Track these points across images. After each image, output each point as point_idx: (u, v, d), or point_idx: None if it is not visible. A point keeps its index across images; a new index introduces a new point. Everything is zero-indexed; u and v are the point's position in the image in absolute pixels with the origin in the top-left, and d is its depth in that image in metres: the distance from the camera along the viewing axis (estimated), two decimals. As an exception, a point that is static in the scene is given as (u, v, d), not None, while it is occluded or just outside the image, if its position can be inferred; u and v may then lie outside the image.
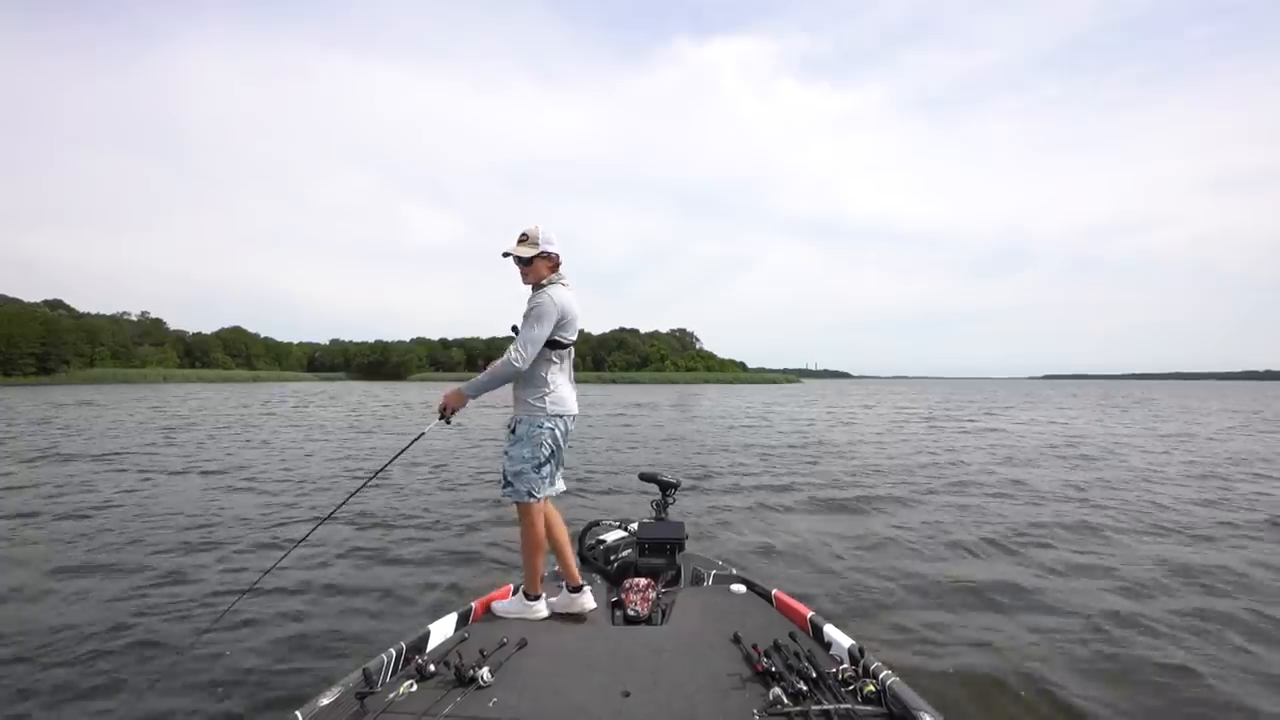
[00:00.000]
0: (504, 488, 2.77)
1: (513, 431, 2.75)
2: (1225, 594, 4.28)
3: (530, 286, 2.80)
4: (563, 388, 2.79)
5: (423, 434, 2.86)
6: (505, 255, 2.77)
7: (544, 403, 2.73)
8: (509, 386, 2.77)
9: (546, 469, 2.78)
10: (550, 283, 2.75)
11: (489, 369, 2.69)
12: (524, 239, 2.76)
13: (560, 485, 2.92)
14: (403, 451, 2.93)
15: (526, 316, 2.67)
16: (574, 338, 2.80)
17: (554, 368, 2.76)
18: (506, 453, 2.77)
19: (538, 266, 2.76)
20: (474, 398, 2.70)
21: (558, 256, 2.81)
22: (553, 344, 2.72)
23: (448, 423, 2.72)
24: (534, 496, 2.73)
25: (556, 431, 2.77)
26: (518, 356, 2.61)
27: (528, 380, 2.74)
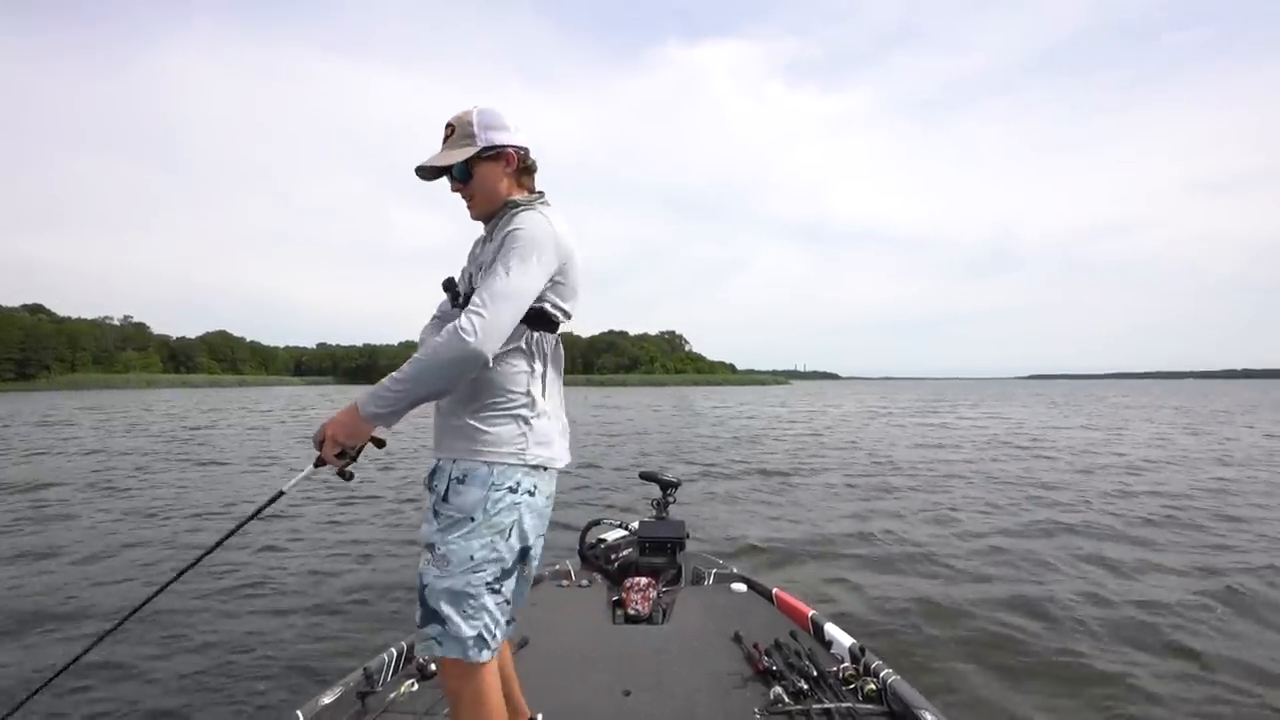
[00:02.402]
0: (424, 625, 1.41)
1: (444, 498, 1.42)
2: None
3: (484, 220, 1.56)
4: (551, 409, 1.51)
5: (281, 494, 1.54)
6: (419, 172, 1.54)
7: (520, 438, 1.44)
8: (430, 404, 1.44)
9: (512, 583, 1.47)
10: (528, 203, 1.49)
11: (415, 357, 1.36)
12: (449, 134, 1.51)
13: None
14: (246, 522, 1.62)
15: (500, 255, 1.39)
16: (575, 309, 1.55)
17: (537, 365, 1.48)
18: (431, 546, 1.42)
19: (487, 176, 1.50)
20: (390, 420, 1.37)
21: (525, 155, 1.54)
22: (539, 319, 1.46)
23: (347, 475, 1.44)
24: (487, 646, 1.41)
25: (538, 501, 1.47)
26: (474, 328, 1.29)
27: (483, 387, 1.43)
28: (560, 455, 1.53)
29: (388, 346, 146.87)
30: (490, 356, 1.34)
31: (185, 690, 2.93)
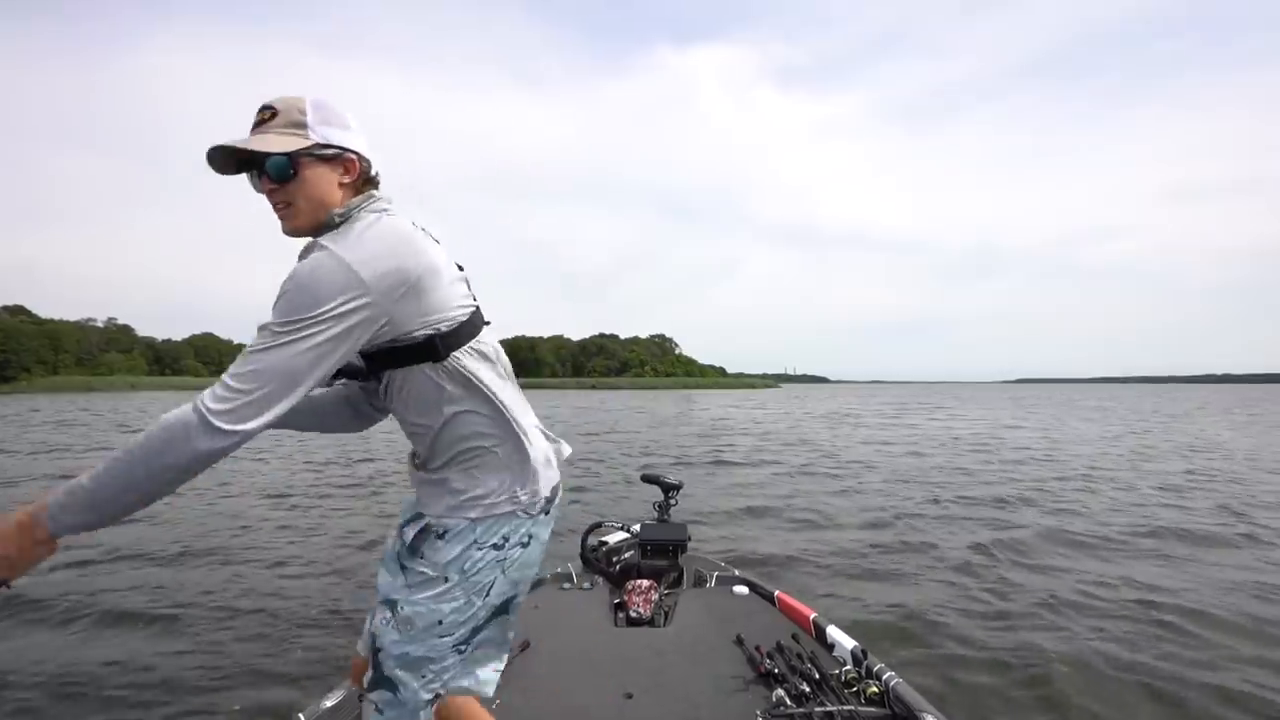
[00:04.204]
0: (372, 690, 1.23)
1: (416, 551, 1.21)
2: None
3: (304, 235, 1.19)
4: (524, 433, 1.25)
5: None
6: (213, 157, 1.14)
7: (502, 487, 1.22)
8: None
9: (486, 635, 1.27)
10: (361, 210, 1.17)
11: (128, 447, 0.96)
12: (268, 117, 1.15)
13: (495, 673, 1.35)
14: None
15: (277, 304, 1.05)
16: (470, 297, 1.25)
17: (486, 391, 1.20)
18: (393, 604, 1.21)
19: (318, 182, 1.16)
20: (80, 530, 0.98)
21: (369, 165, 1.22)
22: (432, 347, 1.15)
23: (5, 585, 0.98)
24: (440, 697, 1.25)
25: (532, 552, 1.27)
26: (226, 411, 0.97)
27: (448, 439, 1.21)
28: (550, 480, 1.30)
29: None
30: (229, 443, 0.98)
31: (186, 692, 2.91)
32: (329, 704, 1.98)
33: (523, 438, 1.26)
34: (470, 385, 1.20)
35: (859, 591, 4.31)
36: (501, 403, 1.24)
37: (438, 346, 1.16)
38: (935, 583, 4.46)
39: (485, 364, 1.23)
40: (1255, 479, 9.13)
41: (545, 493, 1.28)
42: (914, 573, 4.70)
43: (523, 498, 1.24)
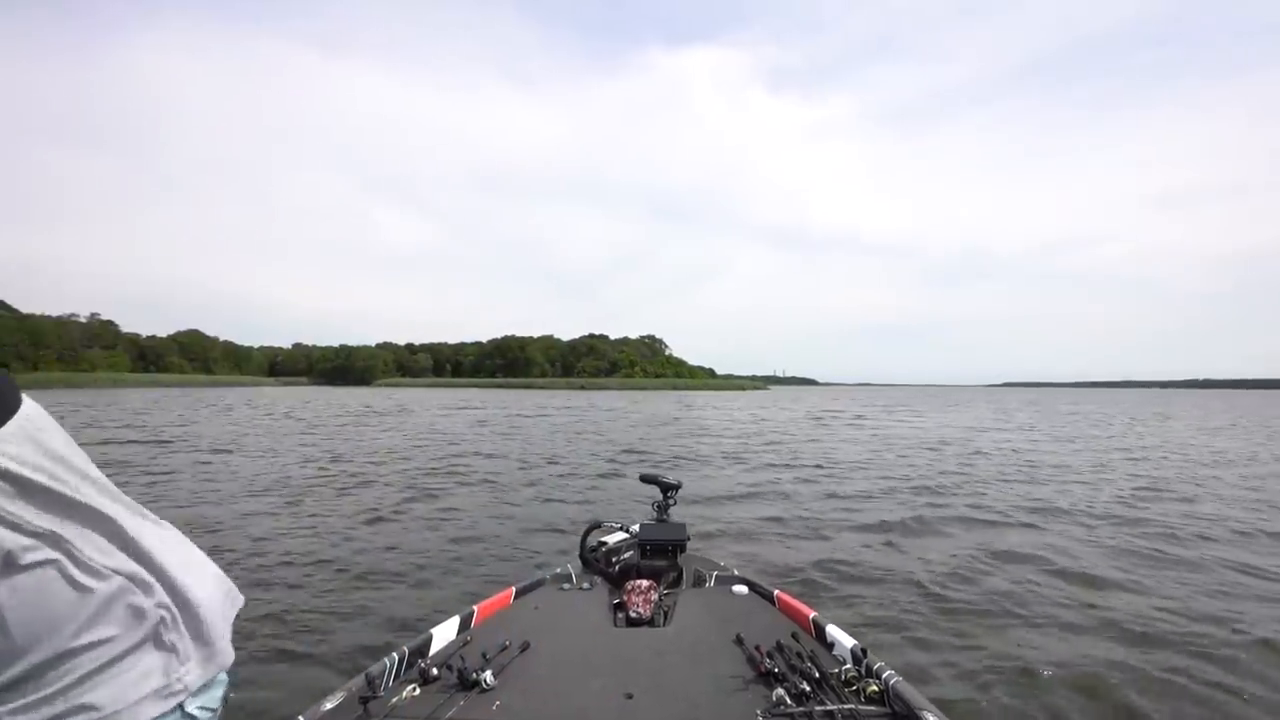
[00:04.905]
0: None
1: None
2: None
3: None
4: (190, 555, 0.99)
5: None
6: None
7: (175, 655, 0.83)
8: None
9: None
10: None
11: None
12: None
13: None
14: None
15: None
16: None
17: (89, 494, 0.71)
18: None
19: None
20: None
21: None
22: None
23: None
24: None
25: None
26: None
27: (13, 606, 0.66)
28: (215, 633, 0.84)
29: (364, 347, 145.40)
30: None
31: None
32: (329, 706, 1.96)
33: (175, 577, 0.78)
34: (35, 510, 0.64)
35: (810, 557, 5.12)
36: (120, 527, 0.71)
37: None
38: (870, 548, 5.46)
39: (50, 459, 0.68)
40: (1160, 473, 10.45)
41: (220, 658, 0.82)
42: (857, 543, 5.62)
43: (185, 678, 0.78)
